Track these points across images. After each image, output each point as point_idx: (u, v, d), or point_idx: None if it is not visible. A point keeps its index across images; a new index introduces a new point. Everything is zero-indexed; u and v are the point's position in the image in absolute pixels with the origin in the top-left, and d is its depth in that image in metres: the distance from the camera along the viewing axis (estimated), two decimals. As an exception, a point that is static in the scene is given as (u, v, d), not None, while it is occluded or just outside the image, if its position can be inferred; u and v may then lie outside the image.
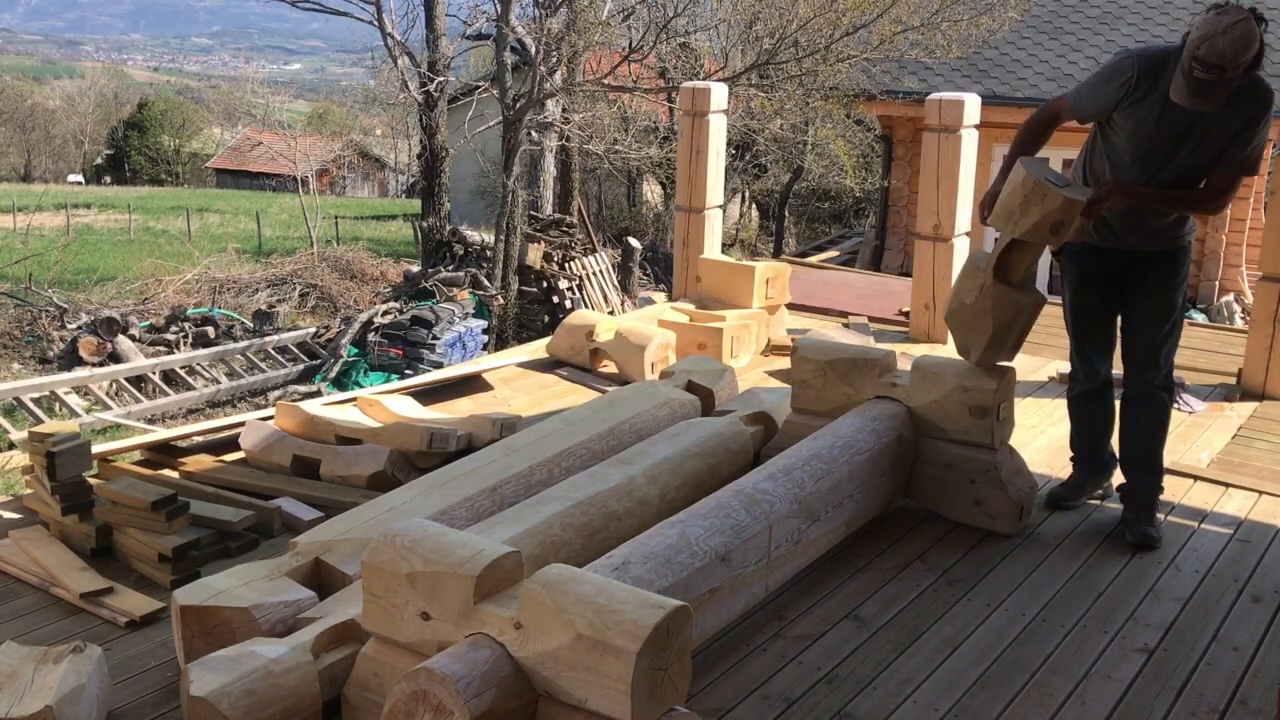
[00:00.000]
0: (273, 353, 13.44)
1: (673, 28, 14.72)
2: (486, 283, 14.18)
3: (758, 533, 3.16)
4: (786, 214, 20.47)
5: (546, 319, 14.52)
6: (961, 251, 6.42)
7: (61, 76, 69.19)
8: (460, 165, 20.48)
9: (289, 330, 14.44)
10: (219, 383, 12.55)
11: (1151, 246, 3.85)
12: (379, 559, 2.61)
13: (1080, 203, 3.58)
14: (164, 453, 4.54)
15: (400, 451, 4.31)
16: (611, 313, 14.64)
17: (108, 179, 45.96)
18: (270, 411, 4.77)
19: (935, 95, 6.30)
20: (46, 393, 11.35)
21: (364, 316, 13.18)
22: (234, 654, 2.75)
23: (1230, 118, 3.55)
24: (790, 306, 6.98)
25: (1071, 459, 4.33)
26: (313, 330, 14.33)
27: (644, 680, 2.26)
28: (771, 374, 5.97)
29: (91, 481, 3.86)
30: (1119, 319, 4.02)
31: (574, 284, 14.91)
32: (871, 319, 7.20)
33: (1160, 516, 4.08)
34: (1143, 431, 4.00)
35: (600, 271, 15.42)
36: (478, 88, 17.43)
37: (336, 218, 27.19)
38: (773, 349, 6.43)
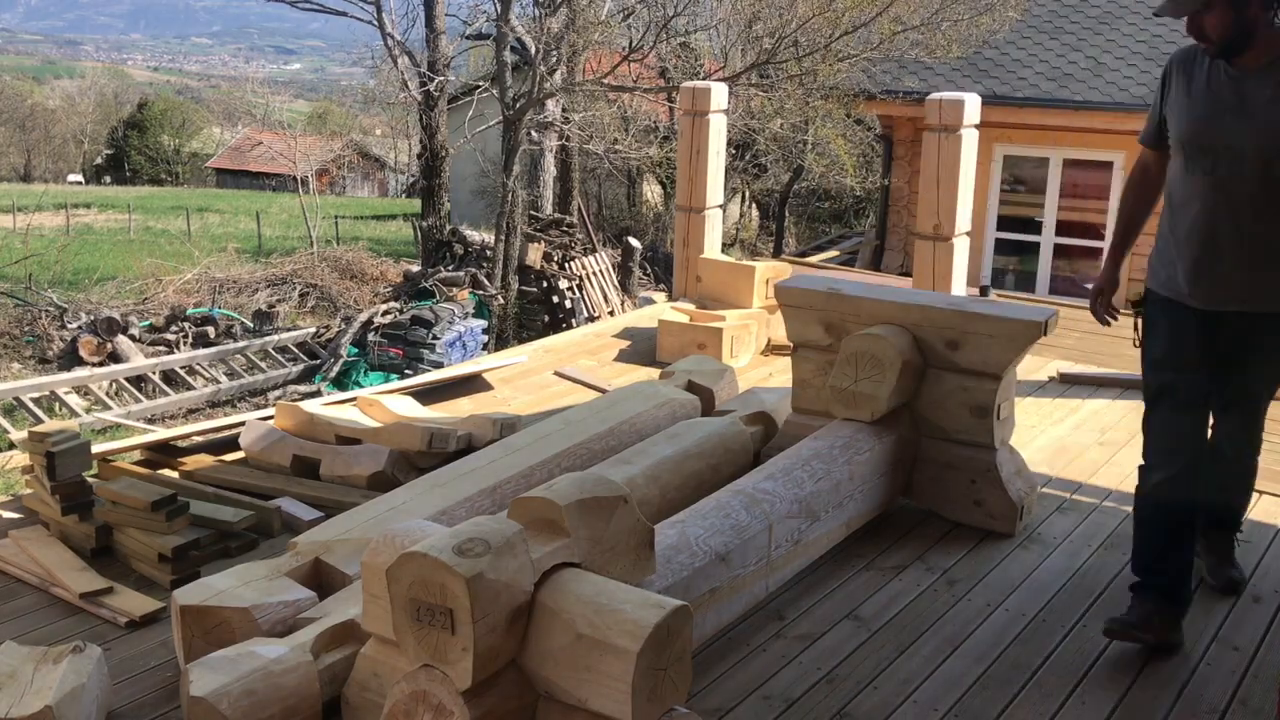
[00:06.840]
0: (273, 353, 13.44)
1: (673, 27, 14.72)
2: (486, 283, 14.18)
3: (758, 533, 3.16)
4: (786, 214, 20.49)
5: (546, 319, 14.53)
6: (962, 251, 6.41)
7: (61, 76, 69.22)
8: (460, 165, 20.48)
9: (289, 330, 14.43)
10: (219, 383, 12.55)
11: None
12: (379, 559, 2.61)
13: None
14: (164, 453, 4.54)
15: (400, 451, 4.31)
16: (612, 313, 14.65)
17: (108, 179, 45.97)
18: (270, 411, 4.76)
19: (935, 95, 6.31)
20: (46, 393, 11.36)
21: (364, 316, 13.18)
22: (234, 654, 2.75)
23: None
24: (790, 306, 6.97)
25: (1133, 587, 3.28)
26: (313, 330, 14.33)
27: (644, 680, 2.25)
28: (771, 374, 5.96)
29: (91, 481, 3.86)
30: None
31: (574, 284, 14.92)
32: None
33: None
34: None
35: (600, 271, 15.43)
36: (478, 87, 17.42)
37: (336, 218, 27.23)
38: (773, 349, 6.43)
